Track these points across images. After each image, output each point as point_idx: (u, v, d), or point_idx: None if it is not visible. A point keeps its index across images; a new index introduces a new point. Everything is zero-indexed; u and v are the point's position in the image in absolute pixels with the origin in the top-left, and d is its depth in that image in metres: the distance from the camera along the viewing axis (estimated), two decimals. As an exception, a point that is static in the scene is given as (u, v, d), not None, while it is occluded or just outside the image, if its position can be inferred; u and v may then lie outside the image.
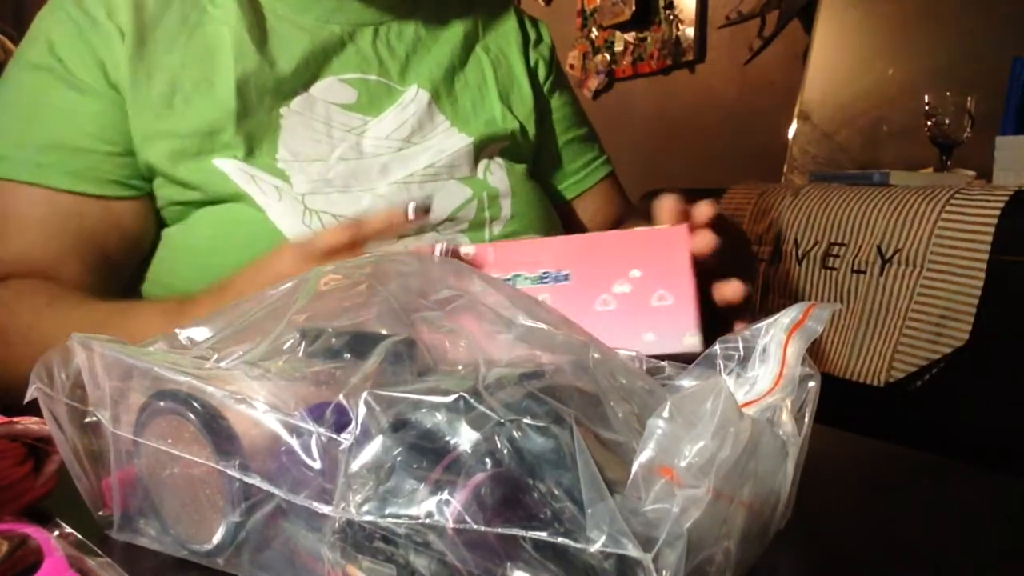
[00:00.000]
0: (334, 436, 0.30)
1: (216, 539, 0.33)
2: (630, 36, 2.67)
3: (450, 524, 0.27)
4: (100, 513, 0.38)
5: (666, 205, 0.58)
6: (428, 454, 0.29)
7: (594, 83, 2.80)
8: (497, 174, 0.80)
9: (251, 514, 0.32)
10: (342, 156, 0.73)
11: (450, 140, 0.79)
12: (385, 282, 0.39)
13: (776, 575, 0.36)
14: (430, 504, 0.27)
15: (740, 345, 0.39)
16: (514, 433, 0.28)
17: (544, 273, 0.56)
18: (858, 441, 0.54)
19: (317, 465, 0.30)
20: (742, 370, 0.39)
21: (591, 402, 0.32)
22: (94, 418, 0.36)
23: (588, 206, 0.96)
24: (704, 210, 0.57)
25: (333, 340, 0.36)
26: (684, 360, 0.42)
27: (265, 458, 0.32)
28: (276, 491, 0.31)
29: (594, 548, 0.25)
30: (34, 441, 0.39)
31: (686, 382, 0.39)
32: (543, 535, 0.26)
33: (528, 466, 0.28)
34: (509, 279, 0.56)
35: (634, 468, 0.27)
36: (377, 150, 0.76)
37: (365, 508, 0.28)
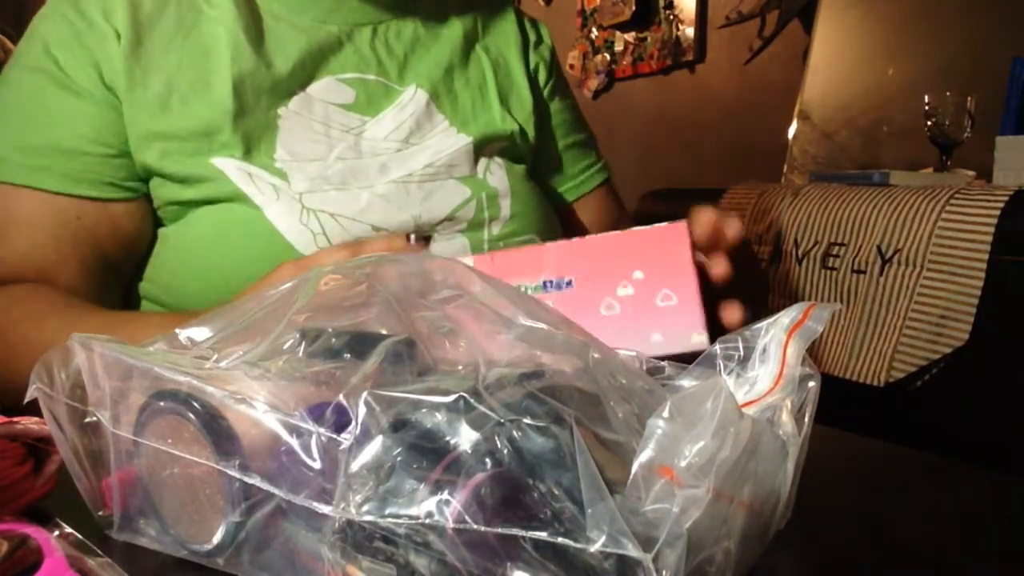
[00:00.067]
0: (334, 436, 0.30)
1: (216, 539, 0.33)
2: (630, 36, 2.67)
3: (450, 524, 0.27)
4: (100, 513, 0.38)
5: (702, 219, 0.58)
6: (428, 454, 0.29)
7: (594, 83, 2.80)
8: (497, 174, 0.80)
9: (251, 514, 0.32)
10: (340, 156, 0.73)
11: (449, 140, 0.79)
12: (385, 282, 0.39)
13: (776, 575, 0.36)
14: (430, 504, 0.27)
15: (740, 345, 0.39)
16: (514, 433, 0.28)
17: (546, 281, 0.55)
18: (858, 441, 0.54)
19: (317, 465, 0.30)
20: (742, 370, 0.39)
21: (591, 402, 0.32)
22: (94, 418, 0.36)
23: (584, 212, 0.96)
24: (732, 232, 0.58)
25: (333, 340, 0.36)
26: (684, 360, 0.42)
27: (265, 458, 0.32)
28: (276, 491, 0.31)
29: (594, 548, 0.25)
30: (34, 441, 0.39)
31: (686, 382, 0.39)
32: (543, 535, 0.26)
33: (528, 466, 0.28)
34: None
35: (634, 468, 0.27)
36: (376, 150, 0.75)
37: (365, 508, 0.28)
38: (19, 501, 0.38)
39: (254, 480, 0.31)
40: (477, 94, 0.84)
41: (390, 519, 0.28)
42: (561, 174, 0.94)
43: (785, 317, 0.39)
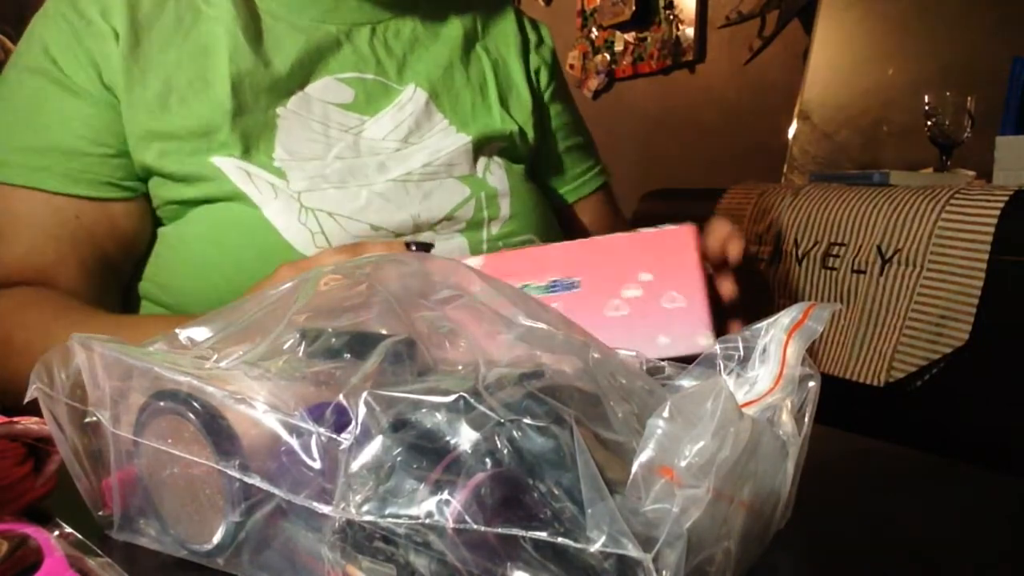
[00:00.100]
0: (334, 436, 0.30)
1: (216, 539, 0.33)
2: (630, 36, 2.67)
3: (450, 524, 0.27)
4: (100, 513, 0.38)
5: (717, 232, 0.59)
6: (428, 454, 0.29)
7: (594, 83, 2.80)
8: (496, 174, 0.80)
9: (251, 514, 0.32)
10: (339, 155, 0.73)
11: (448, 139, 0.79)
12: (385, 282, 0.39)
13: (776, 575, 0.36)
14: (430, 504, 0.27)
15: (740, 345, 0.39)
16: (514, 433, 0.28)
17: (553, 282, 0.55)
18: (858, 441, 0.54)
19: (317, 465, 0.30)
20: (742, 370, 0.39)
21: (591, 402, 0.32)
22: (94, 418, 0.36)
23: (582, 215, 0.96)
24: (737, 252, 0.58)
25: (333, 340, 0.36)
26: (684, 360, 0.42)
27: (265, 458, 0.32)
28: (276, 491, 0.31)
29: (594, 548, 0.25)
30: (34, 441, 0.39)
31: (686, 382, 0.39)
32: (543, 535, 0.26)
33: (528, 466, 0.28)
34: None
35: (634, 468, 0.27)
36: (374, 149, 0.75)
37: (365, 508, 0.28)
38: (19, 501, 0.38)
39: (254, 480, 0.31)
40: (477, 94, 0.84)
41: (390, 519, 0.28)
42: (561, 176, 0.94)
43: (785, 317, 0.39)
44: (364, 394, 0.30)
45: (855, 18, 1.86)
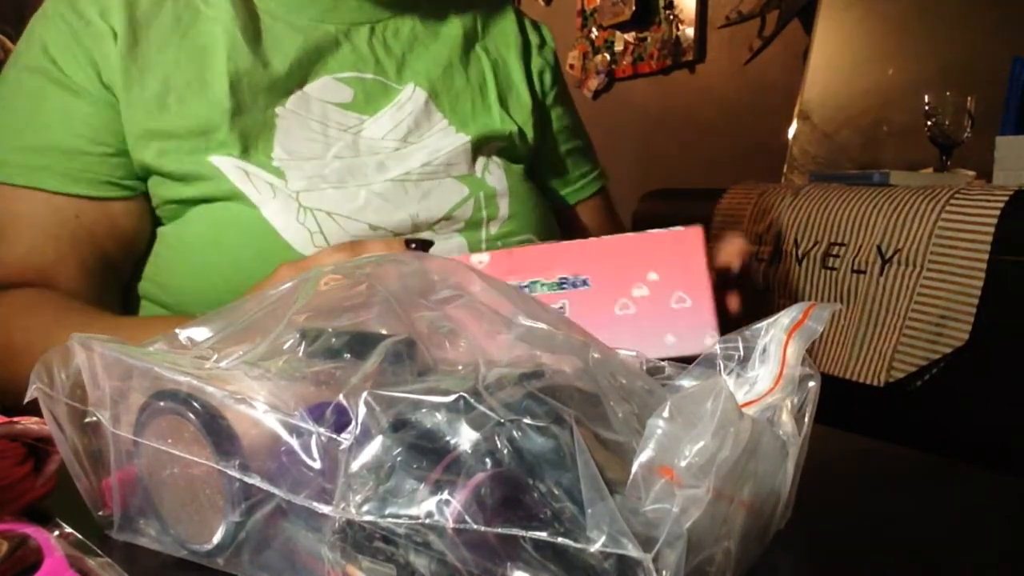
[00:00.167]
0: (334, 436, 0.30)
1: (216, 539, 0.33)
2: (630, 36, 2.67)
3: (450, 524, 0.27)
4: (100, 513, 0.38)
5: (731, 248, 0.62)
6: (428, 454, 0.29)
7: (594, 83, 2.80)
8: (495, 173, 0.80)
9: (251, 514, 0.32)
10: (338, 154, 0.73)
11: (447, 139, 0.79)
12: (385, 282, 0.39)
13: (776, 575, 0.36)
14: (430, 504, 0.27)
15: (740, 345, 0.39)
16: (514, 433, 0.28)
17: (562, 279, 0.56)
18: (858, 441, 0.54)
19: (317, 465, 0.30)
20: (742, 370, 0.39)
21: (591, 402, 0.32)
22: (94, 418, 0.36)
23: (582, 217, 0.96)
24: (737, 264, 0.61)
25: (333, 340, 0.36)
26: (684, 360, 0.42)
27: (265, 458, 0.32)
28: (276, 491, 0.31)
29: (594, 548, 0.25)
30: (34, 441, 0.39)
31: (686, 382, 0.39)
32: (543, 535, 0.26)
33: (528, 466, 0.28)
34: (527, 286, 0.56)
35: (634, 468, 0.27)
36: (373, 149, 0.75)
37: (365, 508, 0.28)
38: (19, 501, 0.38)
39: (254, 480, 0.31)
40: (477, 94, 0.84)
41: (390, 519, 0.28)
42: (561, 178, 0.94)
43: (785, 317, 0.39)
44: (364, 394, 0.30)
45: (855, 18, 1.86)
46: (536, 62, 0.91)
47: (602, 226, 0.97)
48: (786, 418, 0.36)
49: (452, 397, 0.30)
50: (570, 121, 0.95)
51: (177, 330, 0.39)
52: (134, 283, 0.75)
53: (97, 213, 0.71)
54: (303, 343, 0.36)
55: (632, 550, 0.25)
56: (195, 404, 0.33)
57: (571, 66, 2.88)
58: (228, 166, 0.69)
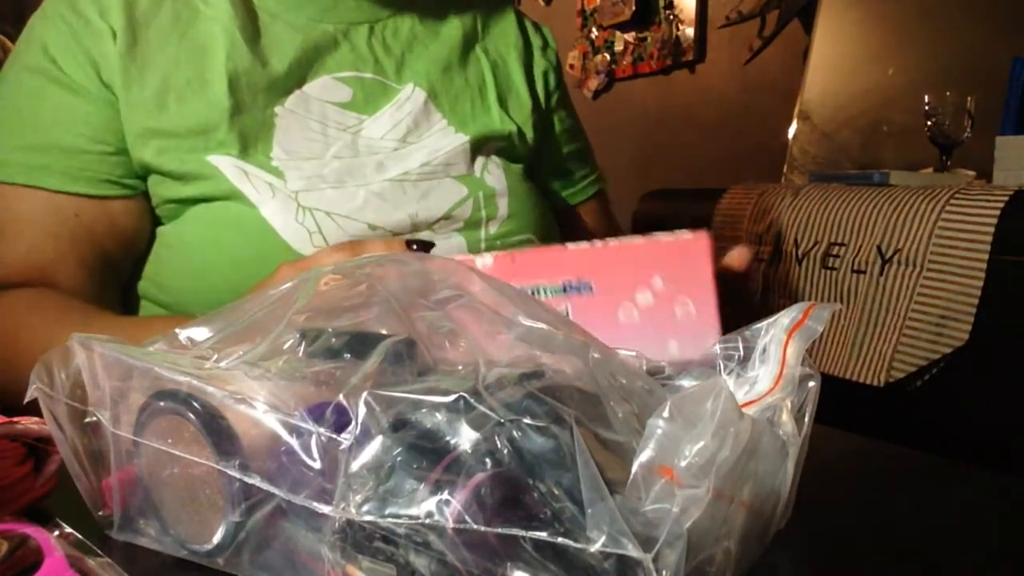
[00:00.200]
0: (334, 436, 0.30)
1: (216, 539, 0.33)
2: (630, 36, 2.67)
3: (450, 524, 0.27)
4: (100, 513, 0.38)
5: (739, 258, 0.63)
6: (428, 454, 0.29)
7: (594, 83, 2.80)
8: (495, 173, 0.80)
9: (251, 514, 0.32)
10: (337, 154, 0.73)
11: (447, 139, 0.79)
12: (385, 282, 0.39)
13: (776, 575, 0.36)
14: (430, 504, 0.27)
15: (740, 345, 0.39)
16: (514, 433, 0.28)
17: (566, 284, 0.56)
18: (858, 441, 0.54)
19: (317, 465, 0.30)
20: (742, 370, 0.39)
21: (591, 402, 0.32)
22: (94, 418, 0.36)
23: (582, 218, 0.96)
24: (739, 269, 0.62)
25: (333, 340, 0.36)
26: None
27: (265, 458, 0.32)
28: (276, 491, 0.31)
29: (594, 548, 0.25)
30: (34, 441, 0.39)
31: (686, 382, 0.39)
32: (543, 535, 0.26)
33: (528, 466, 0.28)
34: (530, 290, 0.56)
35: (634, 468, 0.27)
36: (373, 148, 0.75)
37: (365, 508, 0.28)
38: (19, 501, 0.38)
39: (254, 480, 0.31)
40: (476, 94, 0.84)
41: (390, 519, 0.28)
42: (563, 179, 0.95)
43: (785, 317, 0.39)
44: (364, 394, 0.30)
45: (855, 18, 1.86)
46: (539, 64, 0.91)
47: (600, 227, 0.97)
48: (786, 418, 0.36)
49: (452, 397, 0.30)
50: (572, 123, 0.96)
51: (177, 330, 0.39)
52: (134, 282, 0.75)
53: (97, 212, 0.71)
54: (303, 343, 0.36)
55: (632, 550, 0.25)
56: (195, 404, 0.33)
57: (571, 66, 2.88)
58: (227, 165, 0.69)
